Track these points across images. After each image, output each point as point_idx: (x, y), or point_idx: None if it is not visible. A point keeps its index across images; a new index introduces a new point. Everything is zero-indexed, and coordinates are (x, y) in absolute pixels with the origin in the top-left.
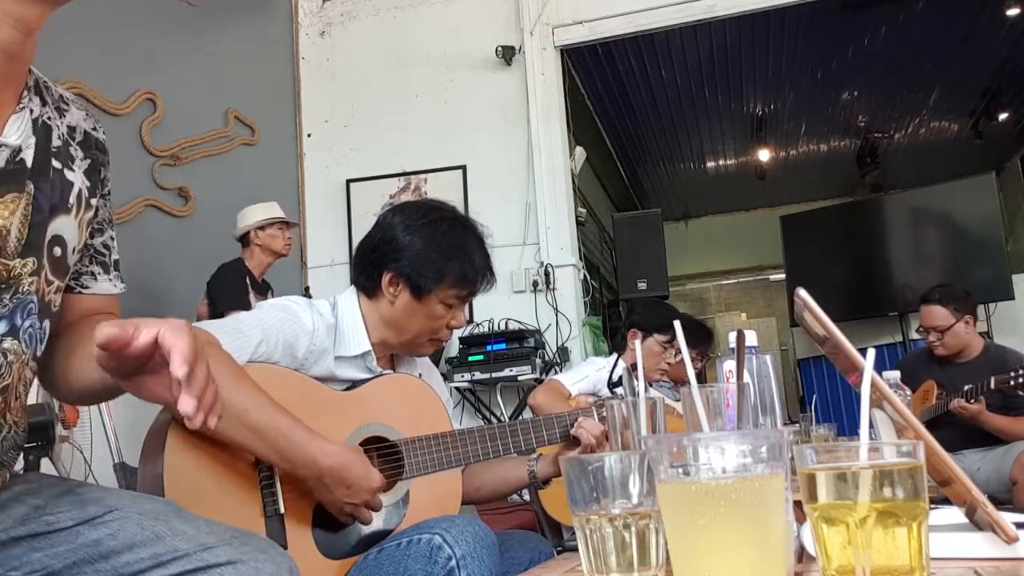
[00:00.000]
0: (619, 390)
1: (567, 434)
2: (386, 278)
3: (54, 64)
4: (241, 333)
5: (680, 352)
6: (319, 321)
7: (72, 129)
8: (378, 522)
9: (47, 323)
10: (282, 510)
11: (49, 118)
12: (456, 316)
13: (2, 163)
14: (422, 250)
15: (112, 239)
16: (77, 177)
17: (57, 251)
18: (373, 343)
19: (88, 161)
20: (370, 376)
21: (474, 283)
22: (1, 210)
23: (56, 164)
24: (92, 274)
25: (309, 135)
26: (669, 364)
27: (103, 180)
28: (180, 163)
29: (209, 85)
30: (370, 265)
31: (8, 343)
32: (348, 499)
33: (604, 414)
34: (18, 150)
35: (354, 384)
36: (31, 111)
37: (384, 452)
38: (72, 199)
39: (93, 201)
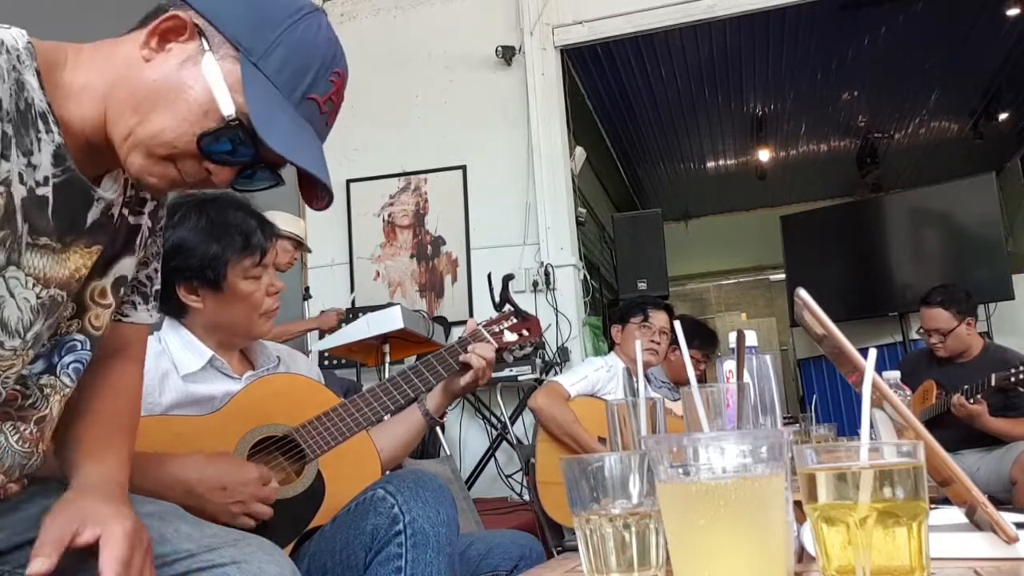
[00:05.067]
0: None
1: (456, 366)
2: (181, 292)
3: None
4: None
5: (648, 320)
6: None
7: None
8: (299, 507)
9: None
10: None
11: None
12: (271, 283)
13: (98, 214)
14: (193, 247)
15: (156, 271)
16: (143, 220)
17: (122, 291)
18: (214, 350)
19: (154, 202)
20: (236, 380)
21: (258, 246)
22: (87, 259)
23: (124, 212)
24: (133, 304)
25: None
26: (654, 341)
27: (160, 217)
28: None
29: None
30: (161, 289)
31: (45, 379)
32: (230, 500)
33: (496, 329)
34: (111, 204)
35: (222, 402)
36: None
37: (281, 447)
38: (138, 242)
39: (150, 239)
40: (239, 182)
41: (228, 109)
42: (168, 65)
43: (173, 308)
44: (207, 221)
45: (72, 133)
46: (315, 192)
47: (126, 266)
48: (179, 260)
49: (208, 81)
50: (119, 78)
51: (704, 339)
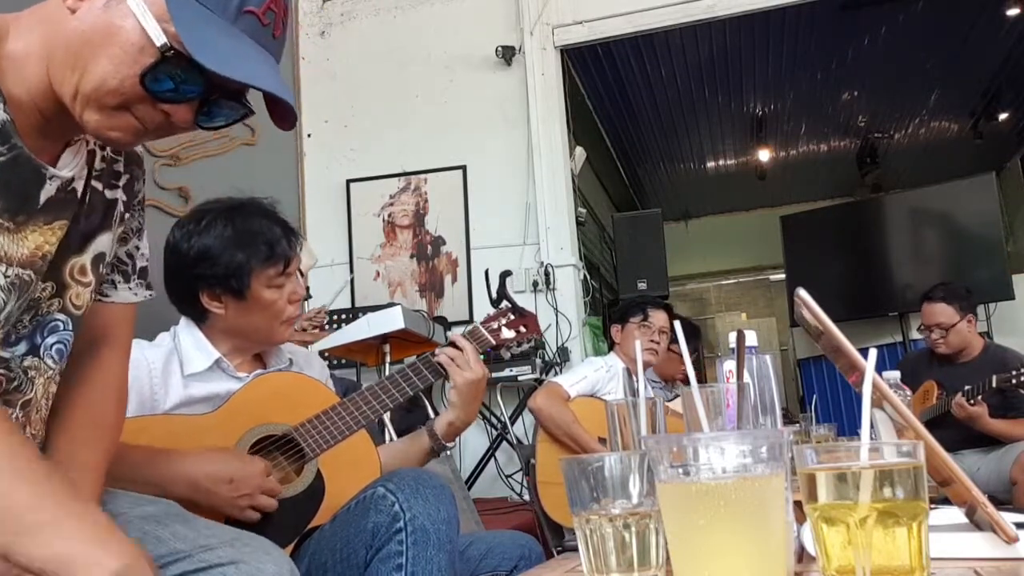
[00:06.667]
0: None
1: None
2: (204, 297)
3: None
4: None
5: (648, 319)
6: (154, 352)
7: None
8: (299, 507)
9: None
10: None
11: (98, 142)
12: (293, 291)
13: (53, 191)
14: (218, 255)
15: (137, 248)
16: (118, 194)
17: (101, 268)
18: (225, 352)
19: (127, 175)
20: (240, 380)
21: (282, 255)
22: (48, 236)
23: (97, 186)
24: (113, 283)
25: (309, 135)
26: (654, 341)
27: (136, 192)
28: (180, 163)
29: None
30: (184, 294)
31: (29, 361)
32: (237, 493)
33: (494, 326)
34: (70, 181)
35: (223, 401)
36: (87, 142)
37: (281, 446)
38: (115, 217)
39: (127, 215)
40: (200, 120)
41: (160, 40)
42: (94, 10)
43: (195, 312)
44: (232, 229)
45: (22, 106)
46: (282, 111)
47: (104, 243)
48: (204, 267)
49: (136, 15)
50: (53, 36)
51: (687, 335)
